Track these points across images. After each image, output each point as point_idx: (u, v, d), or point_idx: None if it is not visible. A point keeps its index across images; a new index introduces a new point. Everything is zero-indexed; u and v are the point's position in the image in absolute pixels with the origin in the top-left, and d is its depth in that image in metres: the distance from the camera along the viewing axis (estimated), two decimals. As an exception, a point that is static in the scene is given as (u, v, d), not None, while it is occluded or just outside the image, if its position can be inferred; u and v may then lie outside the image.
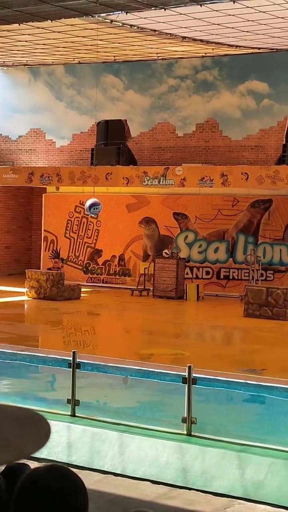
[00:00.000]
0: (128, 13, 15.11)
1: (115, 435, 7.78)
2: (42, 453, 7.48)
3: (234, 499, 6.37)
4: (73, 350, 8.79)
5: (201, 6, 14.29)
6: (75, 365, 8.59)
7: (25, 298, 18.41)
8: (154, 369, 10.14)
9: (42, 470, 1.83)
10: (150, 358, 11.71)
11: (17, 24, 16.11)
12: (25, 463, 4.14)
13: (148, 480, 6.74)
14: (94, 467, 7.10)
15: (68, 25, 16.28)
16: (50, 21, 15.80)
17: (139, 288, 19.81)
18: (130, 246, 21.28)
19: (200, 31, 16.84)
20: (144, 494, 6.31)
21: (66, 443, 7.86)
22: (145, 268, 20.07)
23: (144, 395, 10.26)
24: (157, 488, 6.59)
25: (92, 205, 16.65)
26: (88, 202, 16.85)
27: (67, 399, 8.51)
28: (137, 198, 21.14)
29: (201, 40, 18.15)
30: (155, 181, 19.65)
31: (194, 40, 18.10)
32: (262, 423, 9.19)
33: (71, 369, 8.58)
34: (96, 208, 16.71)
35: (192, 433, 7.67)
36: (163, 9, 14.63)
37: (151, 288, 19.43)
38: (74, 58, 21.65)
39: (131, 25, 16.43)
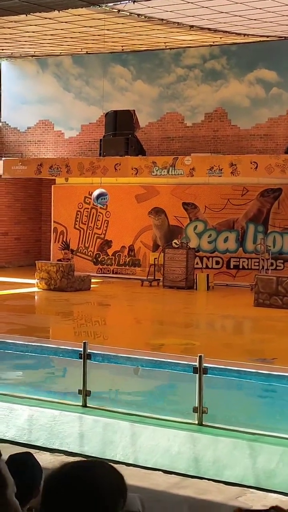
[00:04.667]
0: (135, 2, 15.05)
1: (127, 425, 7.79)
2: (54, 444, 7.52)
3: (246, 488, 6.37)
4: (84, 341, 8.81)
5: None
6: (86, 356, 8.61)
7: (35, 289, 18.44)
8: (165, 359, 10.15)
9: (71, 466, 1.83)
10: (161, 348, 11.72)
11: (25, 15, 16.08)
12: (29, 451, 4.14)
13: (160, 470, 6.76)
14: (106, 457, 7.11)
15: (76, 15, 16.24)
16: (58, 12, 15.76)
17: (149, 278, 19.81)
18: (140, 237, 21.27)
19: (207, 19, 16.77)
20: (156, 484, 6.33)
21: (78, 433, 7.89)
22: (155, 259, 20.07)
23: (155, 385, 10.27)
24: (169, 478, 6.61)
25: (100, 196, 16.66)
26: (95, 193, 16.86)
27: (78, 389, 8.52)
28: (146, 188, 21.12)
29: (209, 29, 18.08)
30: (164, 171, 19.61)
31: (202, 29, 18.03)
32: (273, 412, 9.19)
33: (82, 360, 8.60)
34: (104, 199, 16.71)
35: (203, 423, 7.68)
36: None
37: (161, 278, 19.43)
38: (81, 49, 21.61)
39: (138, 15, 16.37)
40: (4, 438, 7.54)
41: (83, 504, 1.71)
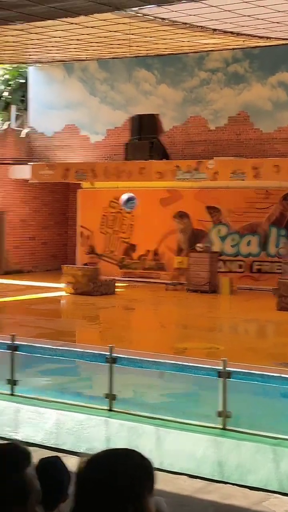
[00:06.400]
0: (160, 7, 15.16)
1: (152, 429, 7.90)
2: (81, 448, 7.67)
3: (270, 493, 6.46)
4: (110, 345, 8.94)
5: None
6: (112, 360, 8.74)
7: (62, 293, 18.61)
8: (189, 363, 10.24)
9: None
10: (185, 352, 11.82)
11: (51, 21, 16.25)
12: (57, 455, 4.31)
13: (185, 474, 6.85)
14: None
15: (101, 20, 16.37)
16: (83, 17, 15.90)
17: (174, 282, 19.91)
18: (164, 241, 21.39)
19: (230, 23, 16.84)
20: (181, 489, 6.44)
21: (104, 437, 8.02)
22: (179, 262, 20.16)
23: (179, 389, 10.38)
24: (194, 482, 6.70)
25: (129, 200, 16.84)
26: (124, 197, 17.02)
27: (105, 394, 8.66)
28: (170, 192, 21.24)
29: (232, 32, 18.15)
30: (187, 175, 19.72)
31: (225, 32, 18.09)
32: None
33: (108, 364, 8.73)
34: (132, 203, 16.88)
35: (227, 427, 7.77)
36: (194, 2, 14.66)
37: (185, 282, 19.53)
38: (107, 53, 21.75)
39: (162, 19, 16.48)
40: (33, 442, 7.70)
41: (110, 485, 1.87)
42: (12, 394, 9.39)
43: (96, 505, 1.87)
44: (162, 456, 7.31)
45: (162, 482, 6.87)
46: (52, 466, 3.57)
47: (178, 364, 10.27)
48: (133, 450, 2.03)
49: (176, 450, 7.50)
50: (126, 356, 9.99)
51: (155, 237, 21.46)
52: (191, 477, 6.76)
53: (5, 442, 2.27)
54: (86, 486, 1.90)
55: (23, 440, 7.55)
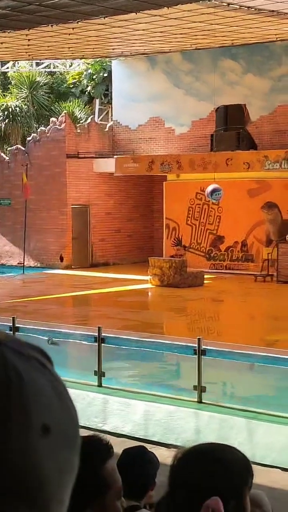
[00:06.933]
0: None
1: (242, 421, 7.74)
2: (170, 439, 7.54)
3: None
4: (198, 337, 8.81)
5: None
6: (200, 352, 8.61)
7: (148, 285, 18.57)
8: (280, 355, 9.99)
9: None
10: (276, 344, 11.57)
11: (134, 13, 16.18)
12: (143, 445, 4.14)
13: (278, 468, 6.67)
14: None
15: (185, 11, 16.21)
16: (167, 8, 15.77)
17: (263, 273, 19.61)
18: (253, 232, 21.05)
19: None
20: (274, 482, 6.25)
21: (194, 429, 7.89)
22: (268, 253, 19.84)
23: (271, 381, 10.15)
24: (287, 476, 6.51)
25: (214, 191, 16.67)
26: (209, 188, 16.87)
27: (193, 385, 8.53)
28: (259, 183, 20.87)
29: None
30: (276, 165, 19.33)
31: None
32: None
33: (196, 356, 8.60)
34: (218, 194, 16.70)
35: None
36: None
37: (275, 274, 19.18)
38: (191, 44, 21.56)
39: (248, 7, 16.17)
40: (121, 433, 7.62)
41: (212, 480, 1.74)
42: (99, 386, 9.37)
43: (192, 500, 1.72)
44: (254, 449, 7.12)
45: (254, 476, 6.69)
46: (136, 456, 3.48)
47: (269, 356, 10.04)
48: (231, 446, 1.89)
49: (268, 443, 7.31)
50: (215, 348, 9.82)
51: (243, 228, 21.15)
52: (284, 470, 6.58)
53: (87, 435, 2.15)
54: (181, 479, 1.76)
55: (112, 431, 7.48)
